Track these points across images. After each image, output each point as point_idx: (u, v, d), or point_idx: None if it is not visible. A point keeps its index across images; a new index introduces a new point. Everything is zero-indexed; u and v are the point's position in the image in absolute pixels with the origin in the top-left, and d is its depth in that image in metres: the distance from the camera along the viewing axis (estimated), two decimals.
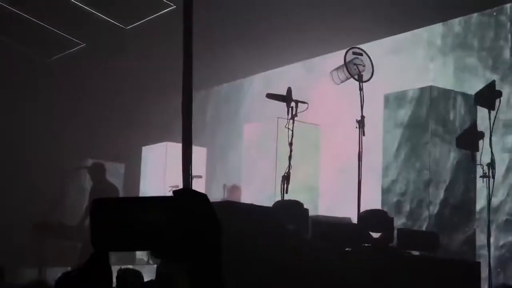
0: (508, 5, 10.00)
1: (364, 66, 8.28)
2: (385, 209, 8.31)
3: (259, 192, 10.97)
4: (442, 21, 10.77)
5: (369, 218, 7.04)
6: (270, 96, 8.70)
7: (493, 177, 8.14)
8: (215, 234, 1.56)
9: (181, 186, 4.92)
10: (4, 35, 14.21)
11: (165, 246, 1.53)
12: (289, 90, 8.44)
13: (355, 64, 8.26)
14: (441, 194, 8.82)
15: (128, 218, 1.53)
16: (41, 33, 13.75)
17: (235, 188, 11.99)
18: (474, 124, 8.97)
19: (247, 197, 11.14)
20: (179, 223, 1.52)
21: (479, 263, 7.75)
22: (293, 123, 8.30)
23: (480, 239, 9.04)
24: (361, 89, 8.09)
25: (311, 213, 7.11)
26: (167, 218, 1.52)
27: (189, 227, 1.52)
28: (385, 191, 9.17)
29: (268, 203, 7.73)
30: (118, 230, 1.53)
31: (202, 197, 1.57)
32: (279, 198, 8.06)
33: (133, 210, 1.54)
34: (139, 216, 1.53)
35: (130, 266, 6.59)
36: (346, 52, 8.34)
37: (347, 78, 8.38)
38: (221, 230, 1.56)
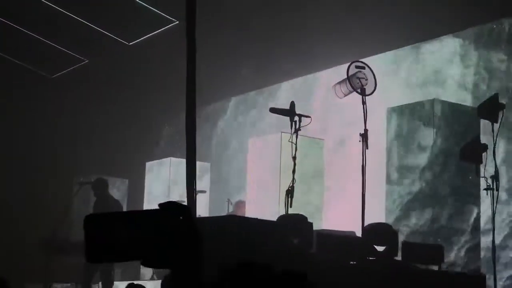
0: None
1: (366, 79, 8.27)
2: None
3: (263, 206, 10.95)
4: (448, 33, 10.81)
5: (374, 232, 7.03)
6: (274, 110, 8.71)
7: (497, 190, 8.11)
8: (195, 243, 1.63)
9: (185, 201, 4.93)
10: (7, 52, 14.25)
11: (151, 255, 1.60)
12: (292, 104, 8.44)
13: (357, 77, 8.26)
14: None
15: (116, 232, 1.60)
16: (44, 50, 13.80)
17: (239, 203, 11.99)
18: (477, 137, 8.97)
19: (251, 212, 11.12)
20: (163, 233, 1.59)
21: (484, 276, 7.72)
22: (297, 137, 8.30)
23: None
24: (364, 102, 8.09)
25: (315, 226, 7.10)
26: (152, 229, 1.59)
27: (172, 236, 1.60)
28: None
29: (273, 217, 7.71)
30: (108, 243, 1.60)
31: (185, 209, 1.63)
32: (283, 212, 8.04)
33: (121, 224, 1.61)
34: (126, 229, 1.60)
35: (135, 282, 6.58)
36: (349, 66, 8.35)
37: (350, 92, 8.37)
38: (201, 239, 1.65)
